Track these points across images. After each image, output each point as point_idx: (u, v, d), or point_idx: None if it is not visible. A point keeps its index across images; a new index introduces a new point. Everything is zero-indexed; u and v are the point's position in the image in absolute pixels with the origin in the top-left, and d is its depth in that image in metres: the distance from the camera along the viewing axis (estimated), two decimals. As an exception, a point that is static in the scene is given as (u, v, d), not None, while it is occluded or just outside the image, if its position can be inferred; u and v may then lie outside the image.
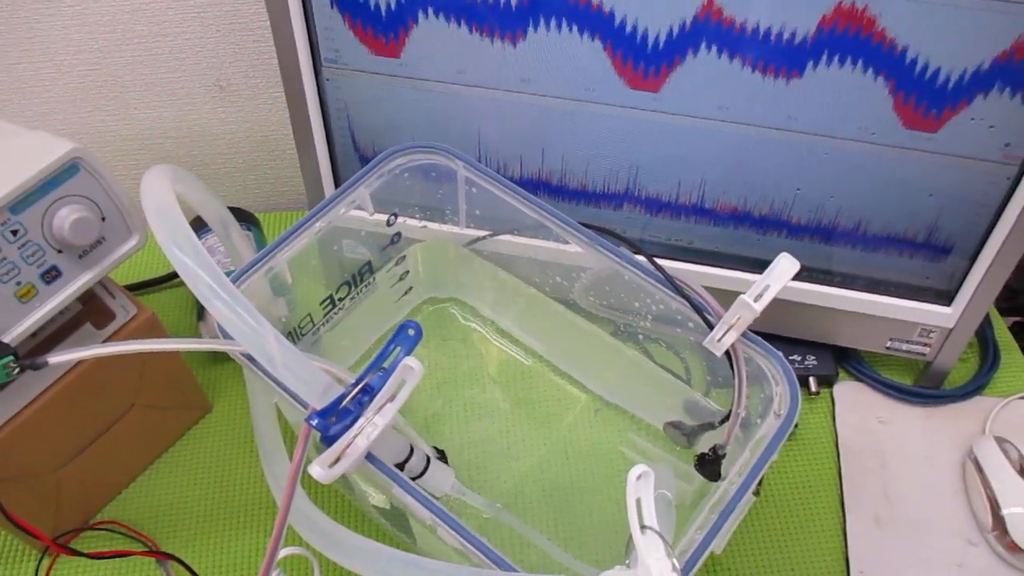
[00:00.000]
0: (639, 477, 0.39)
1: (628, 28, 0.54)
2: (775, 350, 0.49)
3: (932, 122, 0.55)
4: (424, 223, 0.64)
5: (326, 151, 0.65)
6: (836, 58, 0.53)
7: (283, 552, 0.43)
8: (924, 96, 0.54)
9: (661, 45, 0.55)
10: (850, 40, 0.52)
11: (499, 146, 0.64)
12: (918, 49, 0.52)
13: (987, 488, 0.62)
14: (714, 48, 0.54)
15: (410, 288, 0.70)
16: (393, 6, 0.56)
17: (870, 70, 0.53)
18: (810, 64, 0.54)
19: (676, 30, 0.54)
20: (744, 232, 0.65)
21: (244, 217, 0.77)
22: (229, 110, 0.82)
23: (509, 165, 0.65)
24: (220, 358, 0.73)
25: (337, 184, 0.68)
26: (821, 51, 0.53)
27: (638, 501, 0.39)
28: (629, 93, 0.58)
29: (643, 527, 0.39)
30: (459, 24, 0.56)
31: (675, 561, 0.38)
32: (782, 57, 0.54)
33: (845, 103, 0.55)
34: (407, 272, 0.68)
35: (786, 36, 0.53)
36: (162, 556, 0.60)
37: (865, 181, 0.59)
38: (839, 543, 0.63)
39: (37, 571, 0.61)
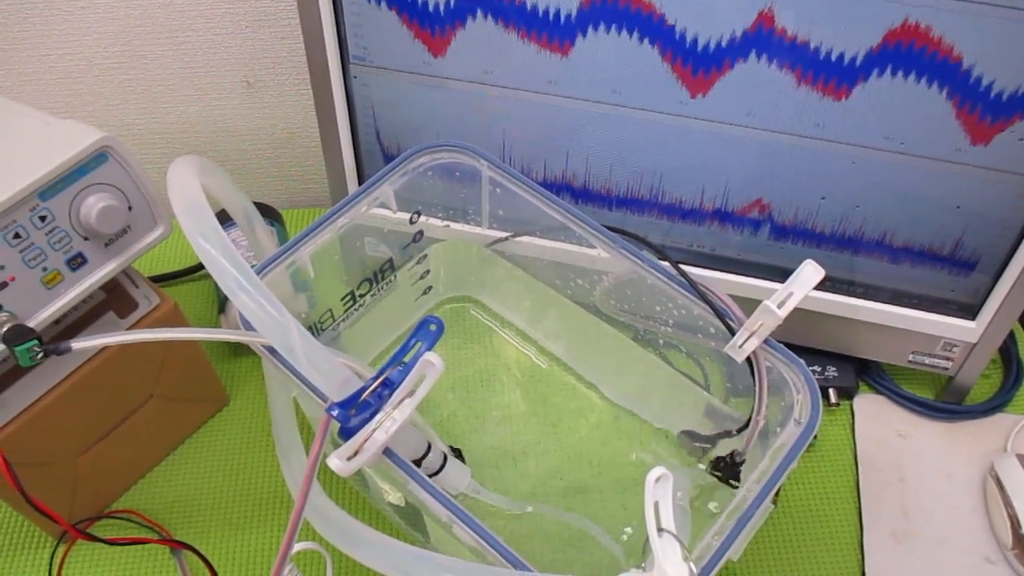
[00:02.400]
0: (658, 480, 0.39)
1: (678, 33, 0.54)
2: (797, 357, 0.49)
3: (964, 135, 0.55)
4: (447, 222, 0.64)
5: (351, 148, 0.66)
6: (875, 72, 0.53)
7: (297, 547, 0.43)
8: (977, 107, 0.53)
9: (711, 50, 0.54)
10: (900, 53, 0.52)
11: (524, 148, 0.64)
12: (971, 62, 0.51)
13: (1008, 506, 0.61)
14: (754, 58, 0.54)
15: (430, 287, 0.70)
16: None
17: (912, 83, 0.53)
18: (847, 76, 0.53)
19: (726, 38, 0.53)
20: (767, 240, 0.64)
21: (268, 213, 0.77)
22: (256, 106, 0.83)
23: (533, 167, 0.65)
24: (240, 352, 0.73)
25: (361, 182, 0.68)
26: (863, 65, 0.53)
27: (656, 504, 0.39)
28: (658, 98, 0.57)
29: (660, 530, 0.38)
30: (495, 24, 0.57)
31: (692, 565, 0.38)
32: (826, 70, 0.53)
33: (873, 112, 0.55)
34: (428, 271, 0.68)
35: (833, 50, 0.52)
36: (177, 545, 0.60)
37: (891, 192, 0.59)
38: (856, 557, 0.62)
39: (52, 558, 0.61)
